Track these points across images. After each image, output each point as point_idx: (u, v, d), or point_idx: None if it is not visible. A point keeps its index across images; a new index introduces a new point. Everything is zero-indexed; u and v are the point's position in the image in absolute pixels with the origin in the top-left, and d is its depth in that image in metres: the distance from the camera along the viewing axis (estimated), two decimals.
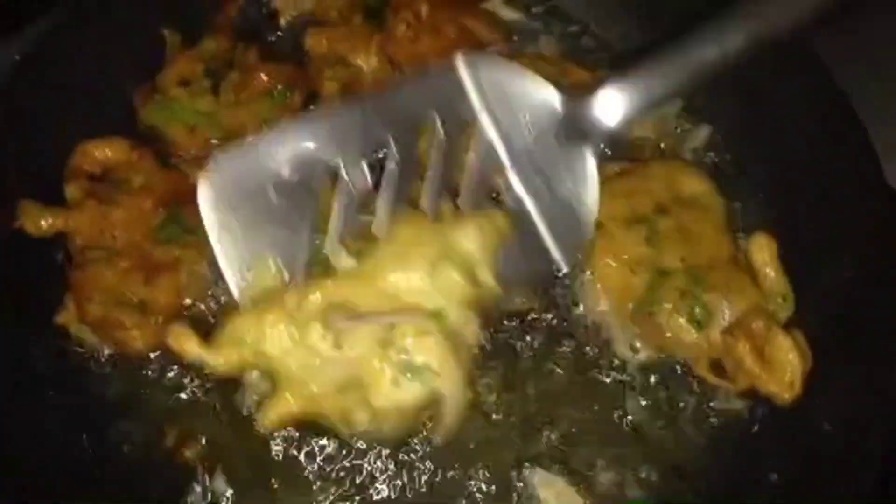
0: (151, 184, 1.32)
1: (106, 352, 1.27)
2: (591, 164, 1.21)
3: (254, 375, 1.18)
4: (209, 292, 1.29)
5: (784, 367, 1.19)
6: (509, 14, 1.55)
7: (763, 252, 1.27)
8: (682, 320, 1.23)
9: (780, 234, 1.28)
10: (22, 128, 1.33)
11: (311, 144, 1.16)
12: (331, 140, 1.16)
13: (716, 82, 1.40)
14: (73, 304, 1.25)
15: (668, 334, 1.24)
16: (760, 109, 1.41)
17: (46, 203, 1.28)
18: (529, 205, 1.19)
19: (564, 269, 1.21)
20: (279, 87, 1.38)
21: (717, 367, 1.24)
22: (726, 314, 1.23)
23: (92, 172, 1.34)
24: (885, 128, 1.30)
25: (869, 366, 1.19)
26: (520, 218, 1.19)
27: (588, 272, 1.30)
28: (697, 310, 1.23)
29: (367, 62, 1.41)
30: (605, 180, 1.33)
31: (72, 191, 1.30)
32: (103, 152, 1.34)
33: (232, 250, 1.13)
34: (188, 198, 1.29)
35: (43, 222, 1.26)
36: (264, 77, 1.39)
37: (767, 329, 1.20)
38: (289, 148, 1.16)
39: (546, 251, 1.20)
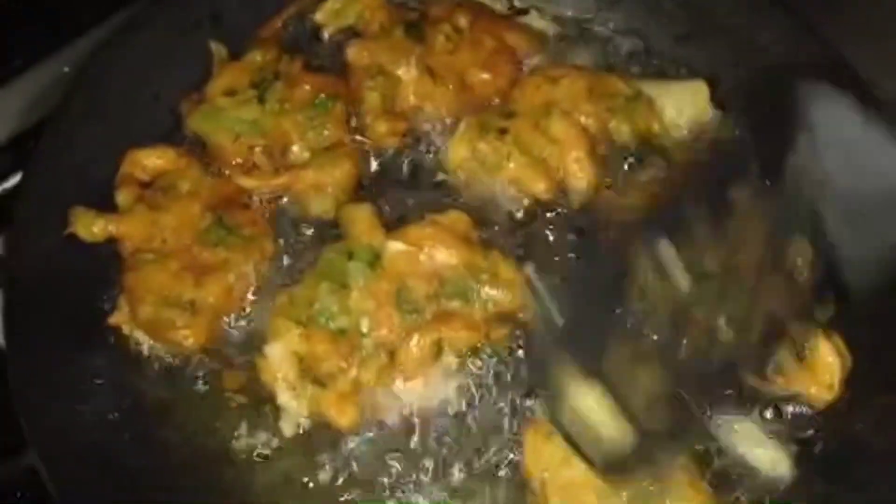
0: (198, 189, 1.36)
1: (157, 353, 1.29)
2: None
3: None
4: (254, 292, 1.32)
5: (824, 370, 1.21)
6: (546, 26, 1.57)
7: (803, 256, 1.27)
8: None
9: (818, 239, 1.28)
10: (72, 137, 1.37)
11: None
12: None
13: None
14: (126, 305, 1.28)
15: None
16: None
17: (97, 209, 1.31)
18: None
19: None
20: (322, 96, 1.41)
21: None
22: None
23: (141, 179, 1.37)
24: None
25: None
26: None
27: None
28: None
29: (407, 73, 1.43)
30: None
31: (123, 197, 1.33)
32: (152, 160, 1.37)
33: None
34: (233, 203, 1.37)
35: (95, 228, 1.29)
36: (307, 87, 1.42)
37: (807, 332, 1.21)
38: None
39: None
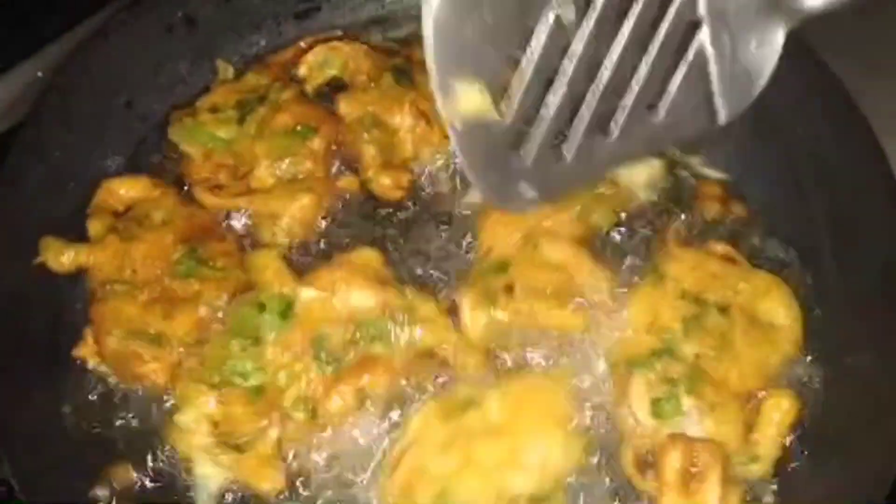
0: (172, 220, 1.34)
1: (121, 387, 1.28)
2: (780, 37, 1.05)
3: None
4: None
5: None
6: None
7: (778, 412, 1.21)
8: (646, 400, 1.20)
9: (803, 297, 1.30)
10: (44, 146, 1.35)
11: None
12: None
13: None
14: (93, 337, 1.28)
15: (628, 401, 1.21)
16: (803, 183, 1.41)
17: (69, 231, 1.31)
18: (710, 57, 1.04)
19: (723, 121, 1.08)
20: (299, 127, 1.38)
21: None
22: (688, 428, 1.18)
23: (115, 209, 1.36)
24: None
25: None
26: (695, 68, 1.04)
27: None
28: (667, 401, 1.20)
29: (402, 121, 1.40)
30: (704, 257, 1.32)
31: (95, 226, 1.32)
32: (127, 190, 1.36)
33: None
34: (208, 234, 1.36)
35: (65, 258, 1.28)
36: (289, 115, 1.39)
37: (706, 468, 1.14)
38: None
39: (709, 104, 1.07)
